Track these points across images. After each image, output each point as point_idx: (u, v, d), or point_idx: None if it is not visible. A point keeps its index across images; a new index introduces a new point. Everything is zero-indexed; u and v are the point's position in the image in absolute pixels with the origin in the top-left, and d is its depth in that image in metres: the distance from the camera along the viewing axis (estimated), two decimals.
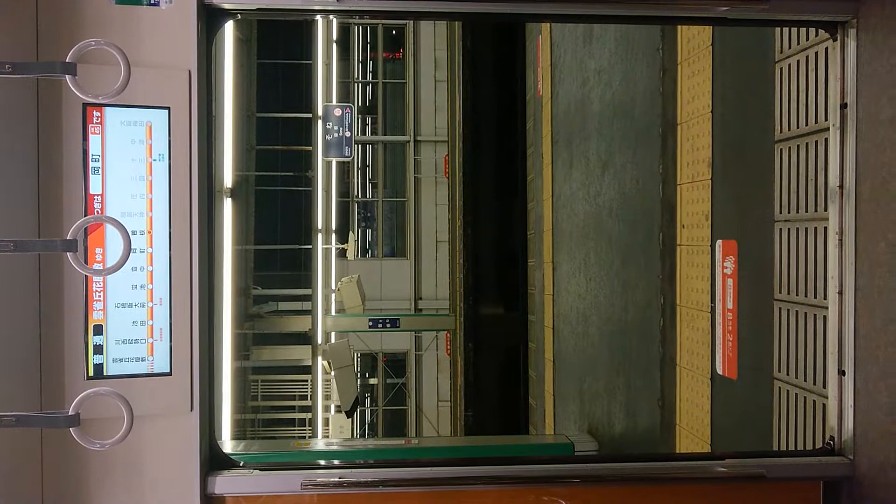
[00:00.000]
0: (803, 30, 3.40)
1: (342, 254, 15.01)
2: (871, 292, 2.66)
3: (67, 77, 2.18)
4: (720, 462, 2.73)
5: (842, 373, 2.80)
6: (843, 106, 2.80)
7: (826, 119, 2.98)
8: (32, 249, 2.22)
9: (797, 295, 3.44)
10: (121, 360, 2.50)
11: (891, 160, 2.57)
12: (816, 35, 3.28)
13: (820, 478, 2.76)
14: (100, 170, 2.47)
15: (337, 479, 2.64)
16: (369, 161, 18.34)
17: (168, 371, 2.53)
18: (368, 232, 18.15)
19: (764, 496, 2.76)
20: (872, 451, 2.65)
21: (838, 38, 2.79)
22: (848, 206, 2.78)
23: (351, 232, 16.50)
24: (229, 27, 9.11)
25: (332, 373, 11.90)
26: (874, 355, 2.64)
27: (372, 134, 18.46)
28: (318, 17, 10.03)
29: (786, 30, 3.55)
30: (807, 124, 3.37)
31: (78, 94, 2.21)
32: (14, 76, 2.14)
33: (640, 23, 4.27)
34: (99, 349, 2.47)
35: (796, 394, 3.45)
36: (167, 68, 2.52)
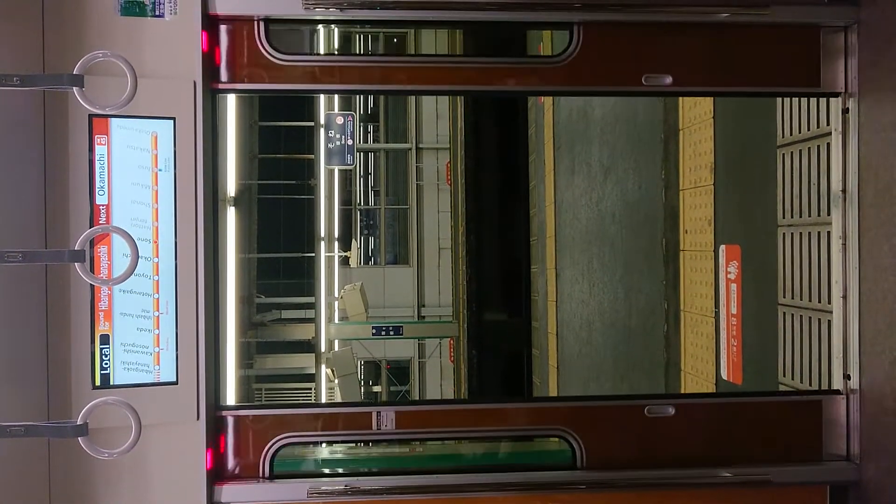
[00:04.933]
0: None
1: (345, 262, 15.00)
2: (875, 296, 2.66)
3: (75, 89, 2.20)
4: (726, 468, 2.73)
5: (847, 377, 2.80)
6: (845, 111, 2.81)
7: (828, 124, 2.99)
8: (40, 260, 2.23)
9: (801, 299, 3.44)
10: (127, 369, 2.51)
11: (893, 164, 2.57)
12: None
13: (826, 483, 2.75)
14: (106, 180, 2.48)
15: (343, 488, 2.64)
16: (371, 169, 18.35)
17: (174, 380, 2.54)
18: (371, 239, 18.14)
19: (770, 501, 2.75)
20: (879, 456, 2.65)
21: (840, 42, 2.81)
22: (851, 210, 2.79)
23: (354, 240, 16.47)
24: None
25: (336, 381, 11.88)
26: (879, 359, 2.64)
27: (374, 142, 18.47)
28: (320, 27, 10.04)
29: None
30: (809, 129, 3.38)
31: (85, 105, 2.23)
32: (22, 88, 2.16)
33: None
34: (106, 358, 2.48)
35: None
36: (172, 79, 2.53)
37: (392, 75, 2.80)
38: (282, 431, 2.72)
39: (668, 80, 2.80)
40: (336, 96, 14.59)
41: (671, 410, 2.81)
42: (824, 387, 3.20)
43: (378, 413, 2.75)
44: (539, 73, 2.82)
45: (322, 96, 12.66)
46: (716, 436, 2.83)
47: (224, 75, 2.68)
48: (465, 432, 2.89)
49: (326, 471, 2.95)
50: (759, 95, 3.27)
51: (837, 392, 2.83)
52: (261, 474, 2.69)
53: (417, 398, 16.74)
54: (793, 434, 2.82)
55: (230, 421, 2.70)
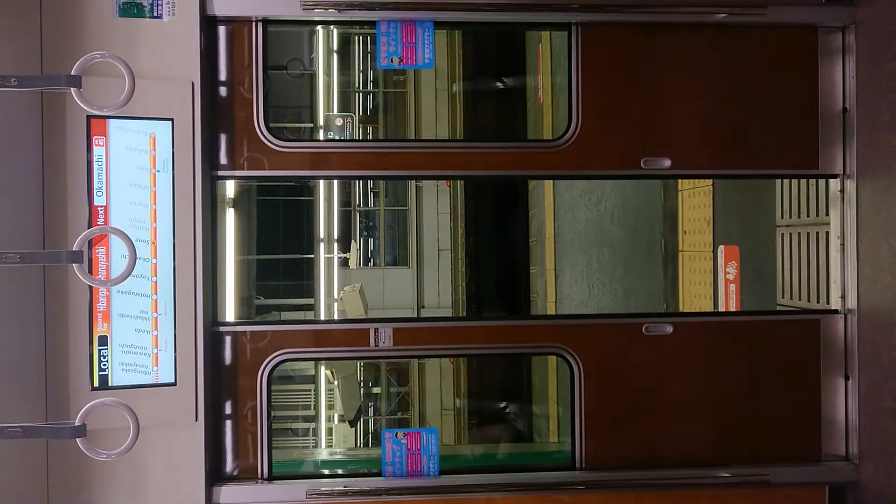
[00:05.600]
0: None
1: (344, 263, 14.98)
2: (873, 296, 2.66)
3: (73, 90, 2.20)
4: (725, 468, 2.73)
5: (846, 377, 2.80)
6: (844, 111, 2.81)
7: None
8: (38, 261, 2.23)
9: (800, 300, 3.44)
10: (125, 370, 2.50)
11: (891, 164, 2.57)
12: None
13: (825, 483, 2.75)
14: (104, 181, 2.48)
15: (342, 489, 2.64)
16: None
17: (173, 381, 2.54)
18: (370, 241, 18.12)
19: (770, 502, 2.75)
20: (877, 456, 2.65)
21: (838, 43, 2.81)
22: (849, 210, 2.79)
23: (353, 241, 16.47)
24: None
25: (336, 382, 11.87)
26: (878, 359, 2.64)
27: None
28: (319, 28, 10.05)
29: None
30: None
31: (83, 106, 2.23)
32: (20, 89, 2.16)
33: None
34: (104, 360, 2.48)
35: None
36: (170, 80, 2.54)
37: (392, 161, 2.80)
38: (280, 347, 2.73)
39: (667, 163, 2.82)
40: (334, 96, 14.59)
41: (669, 329, 2.81)
42: None
43: (376, 330, 2.74)
44: (539, 158, 2.84)
45: (321, 95, 12.66)
46: (712, 354, 2.84)
47: (224, 162, 2.70)
48: (462, 349, 2.87)
49: (325, 472, 2.94)
50: (757, 178, 3.34)
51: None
52: (259, 391, 2.69)
53: (417, 399, 16.73)
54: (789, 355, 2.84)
55: (229, 338, 2.71)
